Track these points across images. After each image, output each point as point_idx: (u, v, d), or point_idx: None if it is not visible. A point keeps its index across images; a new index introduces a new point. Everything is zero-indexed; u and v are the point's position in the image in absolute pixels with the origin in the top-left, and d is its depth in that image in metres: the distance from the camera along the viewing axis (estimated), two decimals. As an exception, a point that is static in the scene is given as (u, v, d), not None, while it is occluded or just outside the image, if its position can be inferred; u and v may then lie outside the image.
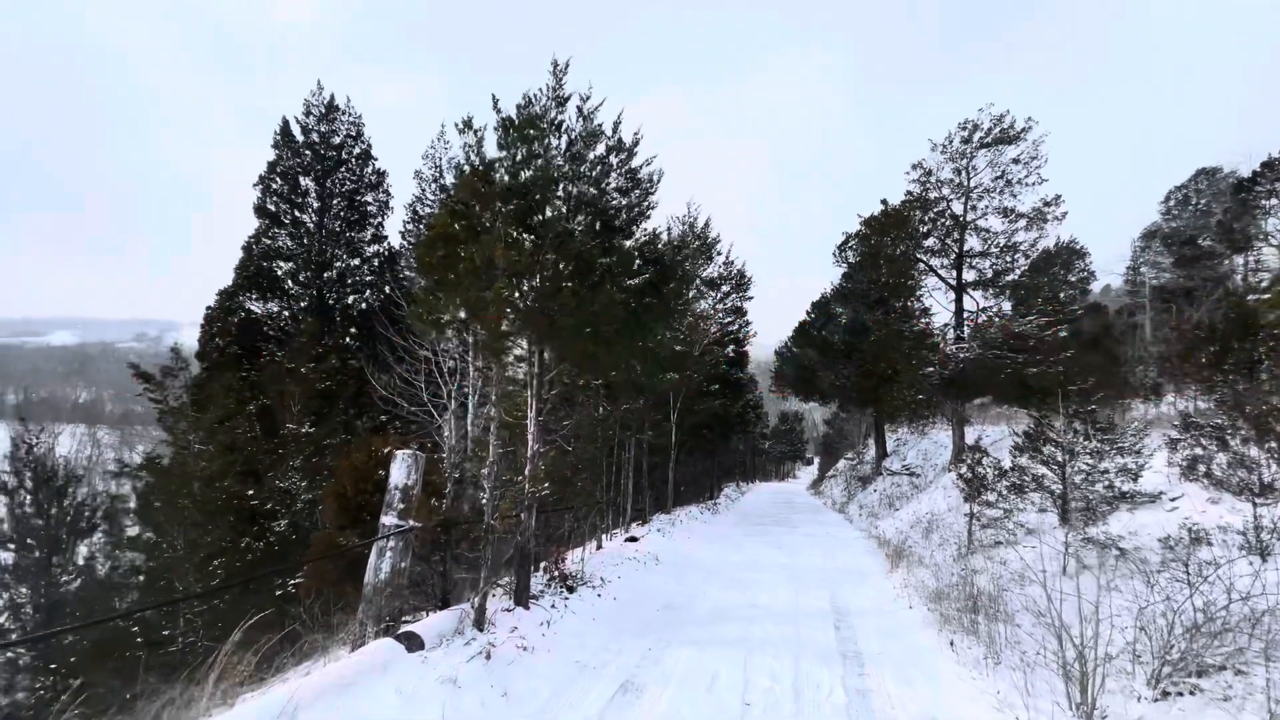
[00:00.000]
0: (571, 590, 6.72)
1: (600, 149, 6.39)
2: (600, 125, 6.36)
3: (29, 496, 13.04)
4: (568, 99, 6.12)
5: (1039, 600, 6.24)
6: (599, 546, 10.00)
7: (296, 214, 16.06)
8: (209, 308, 14.29)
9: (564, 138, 6.22)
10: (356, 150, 16.84)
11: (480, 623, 4.71)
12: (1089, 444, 8.28)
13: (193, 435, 10.34)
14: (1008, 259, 17.09)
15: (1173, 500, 7.08)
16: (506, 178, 5.82)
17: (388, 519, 4.61)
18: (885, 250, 18.63)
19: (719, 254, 19.50)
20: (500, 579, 6.18)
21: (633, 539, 10.97)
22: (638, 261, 6.51)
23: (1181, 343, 13.44)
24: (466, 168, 5.46)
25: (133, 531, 12.19)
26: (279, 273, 15.83)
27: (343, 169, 16.61)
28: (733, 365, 21.88)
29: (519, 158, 5.84)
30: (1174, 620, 3.83)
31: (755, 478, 41.91)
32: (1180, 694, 3.61)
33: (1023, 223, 16.64)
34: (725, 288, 20.39)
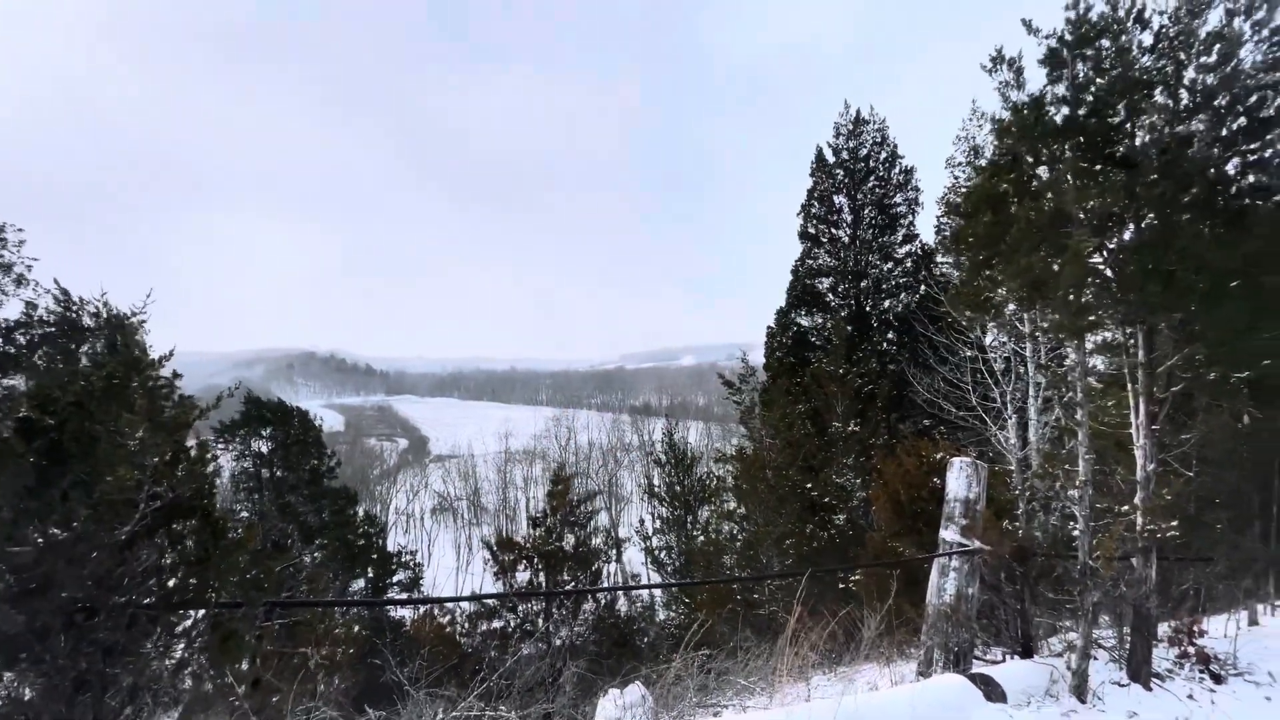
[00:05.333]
0: (1218, 680, 4.51)
1: (1215, 17, 4.19)
2: (1210, -25, 4.19)
3: (671, 469, 18.46)
4: (1148, -29, 4.28)
5: None
6: (1253, 622, 6.68)
7: (833, 232, 17.35)
8: (769, 326, 16.98)
9: (1147, 30, 4.38)
10: (883, 155, 16.96)
11: (1081, 692, 3.58)
12: None
13: (764, 430, 12.40)
14: None
15: None
16: (1065, 108, 4.46)
17: (947, 534, 4.07)
18: None
19: None
20: (1100, 638, 4.68)
21: (1320, 621, 6.87)
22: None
23: None
24: (1005, 114, 4.42)
25: (730, 506, 15.60)
26: (821, 288, 17.42)
27: (871, 178, 17.01)
28: None
29: (1080, 77, 4.39)
30: None
31: None
32: None
33: None
34: None
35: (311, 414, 17.30)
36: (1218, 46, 4.36)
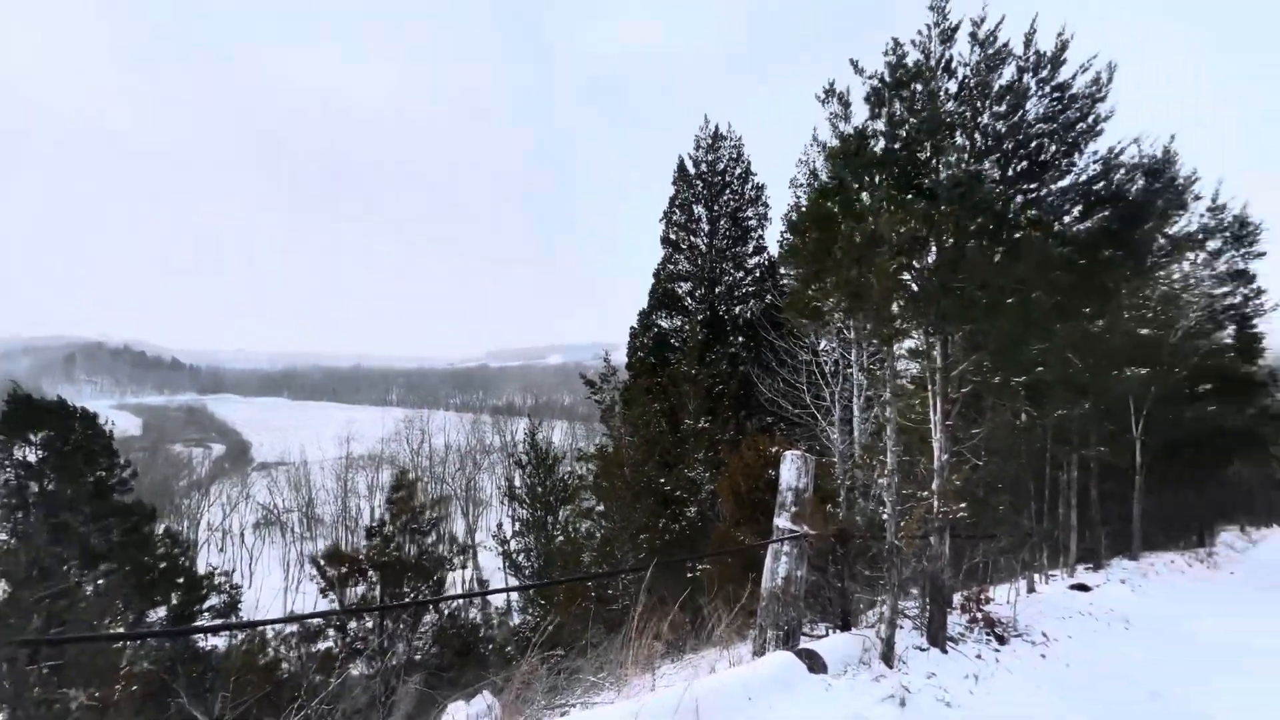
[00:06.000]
0: (1002, 641, 5.36)
1: (1008, 73, 5.04)
2: (1006, 45, 5.03)
3: (533, 470, 18.15)
4: (955, 29, 5.03)
5: None
6: (1030, 590, 8.00)
7: (692, 239, 18.17)
8: (632, 327, 17.37)
9: (953, 79, 5.13)
10: (738, 171, 18.08)
11: (889, 658, 4.04)
12: None
13: (624, 429, 12.66)
14: None
15: None
16: (883, 141, 5.06)
17: (780, 521, 4.39)
18: None
19: (1198, 197, 13.56)
20: (905, 608, 5.35)
21: (1081, 587, 8.46)
22: (1080, 205, 4.84)
23: None
24: (835, 141, 4.94)
25: (589, 504, 15.69)
26: (680, 292, 18.16)
27: (727, 191, 18.07)
28: (1239, 355, 15.03)
29: (896, 115, 5.01)
30: None
31: (1273, 520, 28.30)
32: None
33: None
34: (1214, 244, 14.12)
35: (99, 415, 14.51)
36: (1008, 98, 5.20)
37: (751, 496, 5.81)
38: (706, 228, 18.10)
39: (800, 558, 4.31)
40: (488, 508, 53.26)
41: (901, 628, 4.88)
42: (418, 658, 7.41)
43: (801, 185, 18.46)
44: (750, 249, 18.08)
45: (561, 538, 16.59)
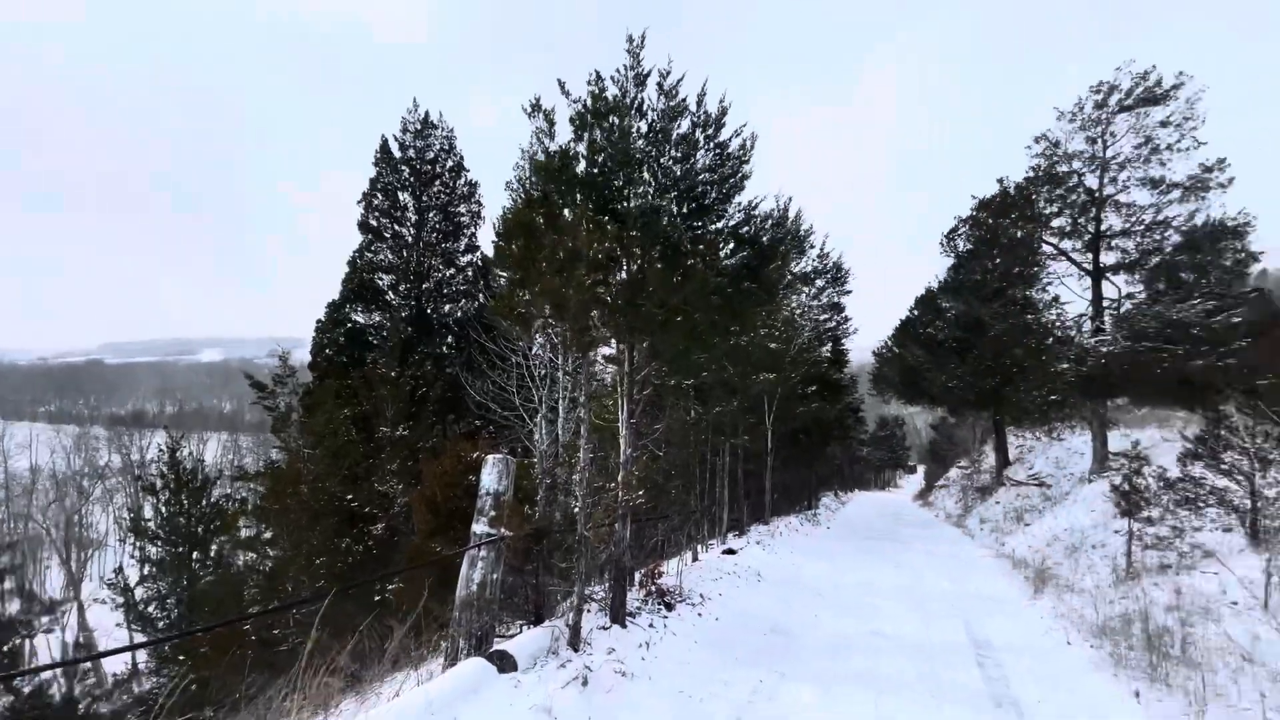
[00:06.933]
0: (670, 608, 6.22)
1: (685, 125, 5.96)
2: (684, 100, 5.94)
3: (173, 496, 14.41)
4: (647, 76, 5.74)
5: (1238, 639, 5.14)
6: (695, 559, 9.45)
7: (396, 228, 16.78)
8: (319, 320, 15.19)
9: (644, 120, 5.85)
10: (449, 164, 17.38)
11: (575, 642, 4.33)
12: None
13: (301, 440, 10.96)
14: (1156, 236, 14.94)
15: None
16: (583, 164, 5.49)
17: (479, 527, 4.34)
18: (1003, 235, 16.86)
19: (812, 246, 18.47)
20: (593, 592, 5.82)
21: (730, 551, 10.35)
22: (731, 243, 5.98)
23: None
24: (540, 155, 5.20)
25: (251, 533, 13.16)
26: (381, 284, 16.61)
27: (437, 183, 17.19)
28: (832, 366, 20.66)
29: (596, 142, 5.50)
30: None
31: (854, 487, 39.89)
32: None
33: (1176, 194, 14.46)
34: (820, 282, 19.27)
35: None
36: (682, 146, 6.07)
37: (449, 505, 5.62)
38: (414, 218, 16.95)
39: (497, 561, 4.34)
40: (102, 548, 40.79)
41: (589, 611, 5.30)
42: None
43: (517, 190, 18.80)
44: (463, 246, 17.53)
45: (212, 576, 13.54)
